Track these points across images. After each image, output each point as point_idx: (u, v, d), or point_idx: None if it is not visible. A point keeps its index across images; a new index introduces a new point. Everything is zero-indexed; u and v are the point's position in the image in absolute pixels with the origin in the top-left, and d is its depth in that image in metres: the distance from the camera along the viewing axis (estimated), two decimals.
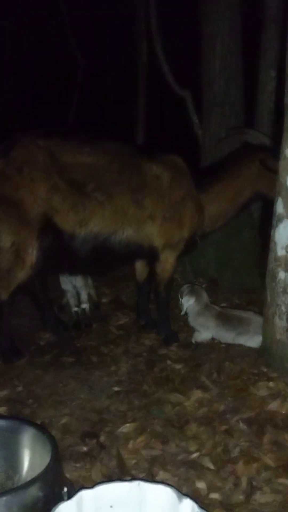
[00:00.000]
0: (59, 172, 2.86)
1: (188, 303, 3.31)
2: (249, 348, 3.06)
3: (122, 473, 2.01)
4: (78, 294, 3.62)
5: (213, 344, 3.22)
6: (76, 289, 3.60)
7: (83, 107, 6.60)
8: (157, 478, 1.96)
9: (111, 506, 1.64)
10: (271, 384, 2.57)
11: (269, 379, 2.63)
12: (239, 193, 3.27)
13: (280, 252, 2.65)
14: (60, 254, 2.99)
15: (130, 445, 2.18)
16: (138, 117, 5.53)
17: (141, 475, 1.98)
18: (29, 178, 2.82)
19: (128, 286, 4.30)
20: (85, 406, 2.52)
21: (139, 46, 5.61)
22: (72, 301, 3.67)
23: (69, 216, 2.88)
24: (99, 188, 2.91)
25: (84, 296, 3.65)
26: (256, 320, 3.11)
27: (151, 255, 3.20)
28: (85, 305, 3.66)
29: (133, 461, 2.08)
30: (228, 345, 3.16)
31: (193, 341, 3.28)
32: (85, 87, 6.48)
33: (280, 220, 2.61)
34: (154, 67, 4.95)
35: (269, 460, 2.04)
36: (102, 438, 2.25)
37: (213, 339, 3.26)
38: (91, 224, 2.91)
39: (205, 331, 3.25)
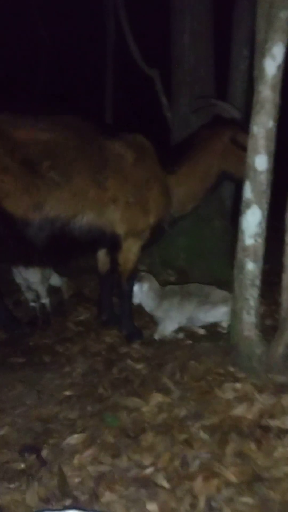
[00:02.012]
0: (10, 152, 2.54)
1: (142, 290, 3.07)
2: (216, 346, 2.82)
3: (62, 494, 1.74)
4: (31, 288, 3.32)
5: (178, 342, 2.97)
6: (28, 282, 3.30)
7: (49, 87, 6.23)
8: (102, 500, 1.70)
9: None
10: (237, 385, 2.33)
11: (236, 380, 2.39)
12: (207, 172, 3.02)
13: (248, 241, 2.40)
14: (12, 243, 2.67)
15: (75, 460, 1.92)
16: (106, 99, 5.22)
17: (83, 497, 1.72)
18: None
19: (92, 278, 3.98)
20: (30, 414, 2.25)
21: (107, 23, 5.28)
22: (28, 295, 3.38)
23: (22, 199, 2.55)
24: (56, 167, 2.60)
25: (42, 291, 3.35)
26: (216, 292, 3.06)
27: (113, 244, 2.92)
28: (44, 300, 3.36)
29: (77, 480, 1.82)
30: (194, 343, 2.92)
31: (156, 337, 3.03)
32: (51, 66, 6.12)
33: (247, 205, 2.36)
34: (123, 46, 4.62)
35: (231, 475, 1.80)
36: (44, 452, 1.98)
37: (177, 335, 3.02)
38: (47, 207, 2.59)
39: (171, 315, 3.03)
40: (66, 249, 2.79)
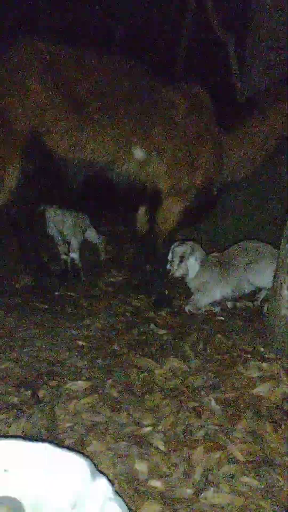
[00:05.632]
0: (57, 84, 2.43)
1: (197, 263, 2.85)
2: (249, 325, 2.55)
3: (48, 435, 1.60)
4: (65, 241, 3.23)
5: (209, 316, 2.74)
6: (62, 236, 3.21)
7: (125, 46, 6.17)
8: (88, 448, 1.54)
9: (5, 470, 1.25)
10: (264, 365, 2.08)
11: (264, 360, 2.13)
12: (270, 135, 2.75)
13: None
14: (49, 181, 2.58)
15: (71, 405, 1.78)
16: (177, 63, 5.02)
17: (69, 441, 1.57)
18: (20, 83, 2.41)
19: (134, 247, 3.87)
20: (37, 355, 2.14)
21: None
22: (60, 248, 3.29)
23: (63, 139, 2.45)
24: (103, 109, 2.46)
25: (75, 243, 3.25)
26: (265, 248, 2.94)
27: (153, 200, 2.73)
28: (73, 255, 3.26)
29: (68, 424, 1.67)
30: (226, 319, 2.68)
31: (186, 309, 2.81)
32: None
33: None
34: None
35: (237, 452, 1.57)
36: (42, 392, 1.85)
37: (213, 308, 2.80)
38: (88, 149, 2.46)
39: (208, 288, 2.81)
40: (103, 197, 2.65)
